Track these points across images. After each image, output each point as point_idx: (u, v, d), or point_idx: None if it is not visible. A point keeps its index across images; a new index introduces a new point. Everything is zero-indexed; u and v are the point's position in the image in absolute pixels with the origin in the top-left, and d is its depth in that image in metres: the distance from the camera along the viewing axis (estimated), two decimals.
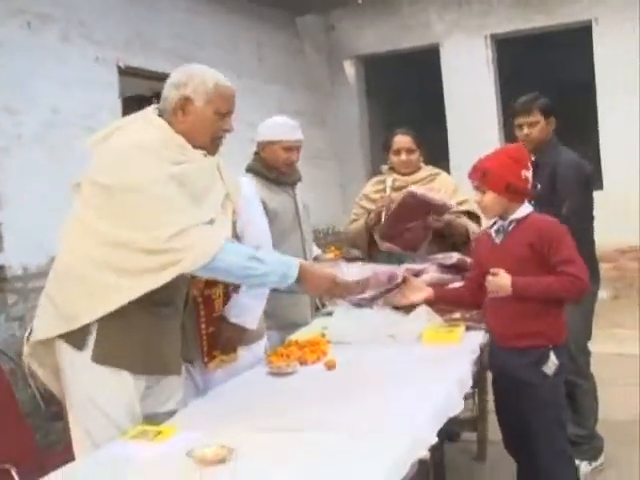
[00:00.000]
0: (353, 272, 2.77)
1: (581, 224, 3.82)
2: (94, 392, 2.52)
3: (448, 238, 4.12)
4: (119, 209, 2.45)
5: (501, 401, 3.24)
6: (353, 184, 4.56)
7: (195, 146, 2.59)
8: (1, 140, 4.77)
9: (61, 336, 2.55)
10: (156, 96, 3.10)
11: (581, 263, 3.00)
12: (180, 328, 2.81)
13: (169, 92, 2.61)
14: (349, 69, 9.60)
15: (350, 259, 4.95)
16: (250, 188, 3.46)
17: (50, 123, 5.12)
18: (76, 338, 2.52)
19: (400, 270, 3.40)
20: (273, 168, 3.82)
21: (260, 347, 3.34)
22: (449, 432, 4.44)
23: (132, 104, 5.54)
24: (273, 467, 2.01)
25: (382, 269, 3.31)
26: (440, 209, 3.95)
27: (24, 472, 3.10)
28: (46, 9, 5.20)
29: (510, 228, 3.10)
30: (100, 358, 2.50)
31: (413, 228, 4.00)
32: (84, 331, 2.50)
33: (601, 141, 8.70)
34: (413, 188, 3.95)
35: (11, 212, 4.73)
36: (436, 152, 9.12)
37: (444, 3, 9.04)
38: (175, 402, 2.76)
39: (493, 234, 3.17)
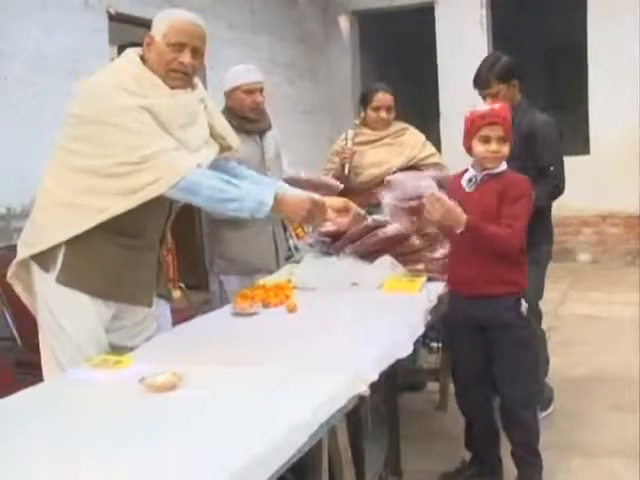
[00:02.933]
0: None
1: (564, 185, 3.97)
2: (59, 314, 2.66)
3: None
4: (91, 137, 2.58)
5: (466, 352, 3.31)
6: (339, 138, 4.64)
7: (168, 85, 2.69)
8: None
9: (33, 257, 2.69)
10: None
11: (523, 227, 3.11)
12: (156, 262, 2.92)
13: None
14: (343, 24, 9.59)
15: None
16: None
17: (36, 66, 5.15)
18: (44, 260, 2.66)
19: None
20: (241, 116, 3.90)
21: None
22: (413, 382, 4.61)
23: None
24: (216, 395, 2.13)
25: None
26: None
27: None
28: None
29: (483, 180, 3.18)
30: (63, 280, 2.64)
31: None
32: (52, 254, 2.64)
33: (590, 106, 8.74)
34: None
35: None
36: (427, 109, 9.21)
37: None
38: (145, 337, 2.88)
39: (464, 183, 3.24)
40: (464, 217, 2.97)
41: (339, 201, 3.02)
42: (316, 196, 2.76)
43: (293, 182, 3.62)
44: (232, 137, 2.97)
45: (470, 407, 3.43)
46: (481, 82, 4.03)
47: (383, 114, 4.34)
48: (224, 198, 2.59)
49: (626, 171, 8.37)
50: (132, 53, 2.75)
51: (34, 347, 3.64)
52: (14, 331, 4.21)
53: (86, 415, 2.07)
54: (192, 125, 2.75)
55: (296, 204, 2.69)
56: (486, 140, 3.13)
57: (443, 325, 3.53)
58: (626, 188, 8.35)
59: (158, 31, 2.68)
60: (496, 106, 3.20)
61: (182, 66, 2.69)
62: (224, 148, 2.93)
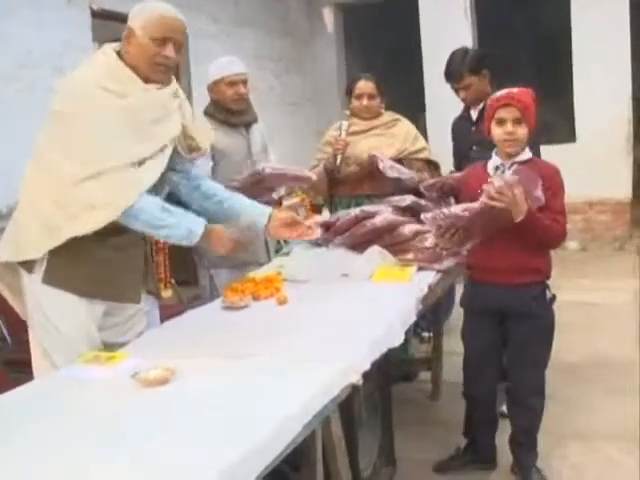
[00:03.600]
0: None
1: None
2: (50, 312, 2.66)
3: None
4: (63, 134, 2.59)
5: (484, 340, 3.36)
6: (330, 129, 4.65)
7: (144, 78, 2.67)
8: None
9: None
10: None
11: (566, 221, 3.17)
12: (143, 258, 2.93)
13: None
14: (328, 16, 9.58)
15: (316, 207, 5.10)
16: None
17: (23, 63, 5.14)
18: (27, 263, 2.66)
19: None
20: (225, 109, 3.90)
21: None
22: (406, 372, 4.62)
23: None
24: (209, 389, 2.14)
25: None
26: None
27: None
28: None
29: (511, 169, 3.14)
30: (49, 281, 2.64)
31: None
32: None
33: (575, 93, 8.75)
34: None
35: None
36: (413, 100, 9.20)
37: None
38: (136, 332, 2.87)
39: (491, 172, 3.23)
40: (526, 206, 2.95)
41: (286, 216, 3.05)
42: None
43: (270, 175, 3.63)
44: (201, 138, 2.93)
45: (477, 394, 3.46)
46: (453, 75, 4.11)
47: (365, 101, 4.36)
48: (158, 225, 2.61)
49: (613, 158, 8.40)
50: (109, 48, 2.73)
51: (24, 345, 3.66)
52: (3, 329, 4.19)
53: (79, 412, 2.08)
54: (163, 120, 2.73)
55: (223, 237, 2.72)
56: (501, 122, 3.14)
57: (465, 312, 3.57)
58: (613, 175, 8.38)
59: (138, 25, 2.65)
60: (515, 89, 3.17)
61: (166, 60, 2.68)
62: (193, 148, 2.91)
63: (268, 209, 2.99)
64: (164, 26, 2.66)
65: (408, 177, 4.01)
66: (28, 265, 2.67)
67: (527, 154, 3.21)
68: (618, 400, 4.11)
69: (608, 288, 6.72)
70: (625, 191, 8.54)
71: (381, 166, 3.99)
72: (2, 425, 2.03)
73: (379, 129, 4.37)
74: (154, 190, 2.69)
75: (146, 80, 2.68)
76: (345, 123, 4.35)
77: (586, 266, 7.99)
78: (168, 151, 2.74)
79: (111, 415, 2.03)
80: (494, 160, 3.25)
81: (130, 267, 2.85)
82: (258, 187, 3.70)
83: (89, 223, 2.54)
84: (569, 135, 8.82)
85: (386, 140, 4.34)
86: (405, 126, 4.45)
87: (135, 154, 2.61)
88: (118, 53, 2.71)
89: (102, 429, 1.93)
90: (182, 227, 2.63)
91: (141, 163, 2.62)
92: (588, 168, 8.42)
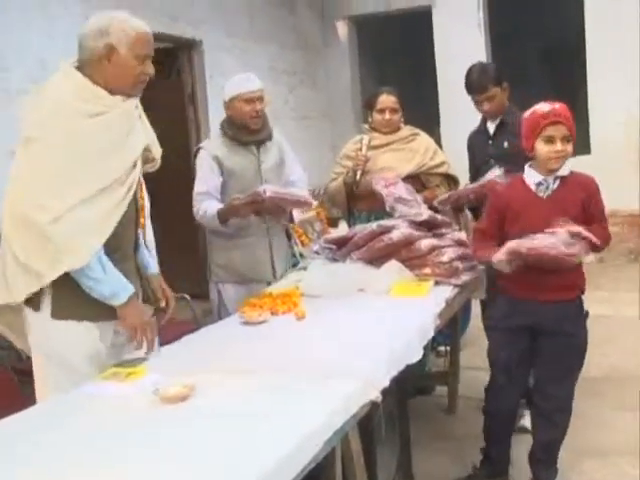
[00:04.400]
0: None
1: None
2: (61, 346, 2.63)
3: None
4: (31, 159, 2.56)
5: (517, 355, 3.33)
6: (344, 144, 4.64)
7: (115, 93, 2.64)
8: None
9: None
10: None
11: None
12: (135, 270, 2.87)
13: (90, 41, 2.62)
14: (341, 29, 9.59)
15: (331, 220, 5.10)
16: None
17: (37, 78, 5.15)
18: (32, 300, 2.62)
19: None
20: (239, 126, 3.90)
21: None
22: (423, 387, 4.62)
23: None
24: (229, 405, 2.16)
25: None
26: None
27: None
28: None
29: (556, 184, 3.17)
30: (58, 314, 2.61)
31: None
32: (39, 293, 2.61)
33: (589, 105, 8.73)
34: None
35: None
36: (427, 114, 9.21)
37: None
38: (144, 350, 2.81)
39: (533, 187, 3.22)
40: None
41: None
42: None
43: (270, 199, 3.62)
44: (156, 148, 2.90)
45: (500, 409, 3.45)
46: (477, 87, 4.12)
47: (387, 116, 4.38)
48: (85, 274, 2.57)
49: (627, 169, 8.35)
50: (69, 67, 2.66)
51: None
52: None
53: (100, 427, 2.09)
54: (133, 132, 2.71)
55: (140, 312, 2.72)
56: (550, 140, 3.12)
57: (489, 327, 3.57)
58: (627, 187, 8.33)
59: (121, 42, 2.60)
60: (557, 105, 3.17)
61: (148, 76, 2.70)
62: (149, 160, 2.89)
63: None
64: (146, 43, 2.67)
65: (413, 214, 3.90)
66: (34, 303, 2.63)
67: (567, 168, 3.21)
68: (633, 415, 4.09)
69: (622, 300, 6.69)
70: (638, 203, 8.50)
71: (387, 206, 3.95)
72: (23, 440, 2.04)
73: (398, 143, 4.38)
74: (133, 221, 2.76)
75: (116, 94, 2.65)
76: (366, 138, 4.36)
77: (600, 278, 7.94)
78: (139, 166, 2.74)
79: (131, 431, 2.04)
80: (533, 176, 3.23)
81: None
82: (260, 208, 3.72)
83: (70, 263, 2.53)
84: (583, 147, 8.80)
85: (405, 155, 4.35)
86: (424, 140, 4.47)
87: (94, 183, 2.56)
88: (79, 68, 2.65)
89: (122, 445, 1.95)
90: (109, 285, 2.60)
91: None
92: (602, 180, 8.30)
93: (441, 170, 4.41)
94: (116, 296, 2.62)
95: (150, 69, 2.69)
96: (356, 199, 4.41)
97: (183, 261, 6.13)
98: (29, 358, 4.05)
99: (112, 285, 2.61)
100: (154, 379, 2.38)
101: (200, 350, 2.79)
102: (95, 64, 2.63)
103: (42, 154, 2.55)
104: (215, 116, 4.88)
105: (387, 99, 4.40)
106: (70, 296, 2.60)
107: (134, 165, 2.69)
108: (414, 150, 4.39)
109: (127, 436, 2.00)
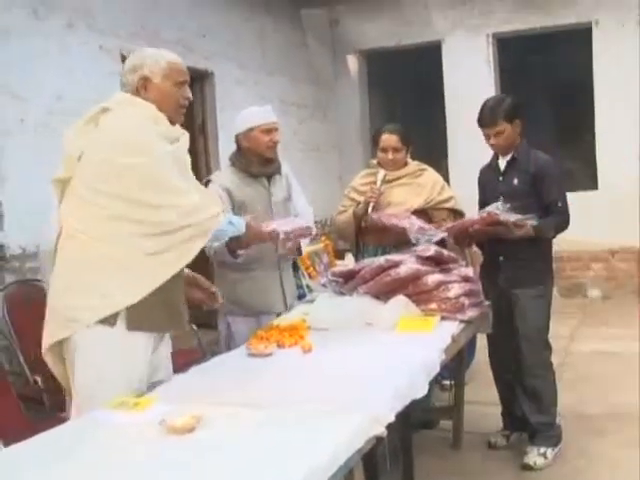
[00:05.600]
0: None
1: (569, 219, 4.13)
2: (111, 368, 2.71)
3: None
4: (129, 186, 2.68)
5: None
6: (352, 176, 4.67)
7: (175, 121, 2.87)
8: (4, 124, 4.89)
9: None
10: None
11: None
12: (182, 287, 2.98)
13: (127, 77, 2.85)
14: (352, 63, 9.70)
15: (338, 252, 5.13)
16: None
17: (53, 109, 5.23)
18: (108, 319, 2.70)
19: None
20: (256, 156, 3.95)
21: None
22: (427, 421, 4.61)
23: None
24: (235, 437, 2.16)
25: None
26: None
27: (12, 443, 3.25)
28: None
29: None
30: (135, 325, 2.71)
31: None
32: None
33: (597, 141, 8.79)
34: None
35: (12, 193, 4.84)
36: (435, 147, 9.28)
37: (447, 1, 9.13)
38: (164, 373, 2.93)
39: None
40: None
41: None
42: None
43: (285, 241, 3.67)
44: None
45: None
46: (487, 120, 4.12)
47: (390, 155, 4.42)
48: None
49: (635, 206, 8.38)
50: (128, 95, 2.82)
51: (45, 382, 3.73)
52: (24, 366, 4.26)
53: (106, 456, 2.11)
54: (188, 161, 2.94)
55: (258, 233, 3.24)
56: None
57: None
58: (635, 223, 8.36)
59: (155, 72, 2.80)
60: None
61: (187, 101, 2.90)
62: None
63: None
64: (182, 71, 2.88)
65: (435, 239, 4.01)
66: (110, 320, 2.70)
67: None
68: (636, 453, 4.06)
69: (629, 337, 6.67)
70: None
71: (412, 237, 4.03)
72: (29, 468, 2.06)
73: (405, 178, 4.42)
74: None
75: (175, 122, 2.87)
76: (382, 172, 4.39)
77: (608, 314, 7.95)
78: None
79: (137, 460, 2.06)
80: None
81: (180, 292, 2.92)
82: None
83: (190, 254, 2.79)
84: (591, 182, 8.85)
85: (414, 189, 4.40)
86: (432, 175, 4.51)
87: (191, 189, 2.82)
88: None
89: (128, 474, 1.96)
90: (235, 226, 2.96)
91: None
92: (610, 216, 8.43)
93: (448, 205, 4.45)
94: (240, 225, 3.02)
95: (188, 93, 2.89)
96: (364, 232, 4.44)
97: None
98: (36, 383, 4.15)
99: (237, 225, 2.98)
100: (161, 409, 2.39)
101: (207, 381, 2.80)
102: (137, 95, 2.81)
103: (146, 170, 2.68)
104: (225, 147, 4.92)
105: (389, 138, 4.43)
106: (143, 306, 2.70)
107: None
108: (422, 185, 4.43)
109: (132, 467, 2.01)
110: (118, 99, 2.83)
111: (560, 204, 4.07)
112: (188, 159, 2.92)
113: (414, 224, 4.06)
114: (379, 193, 4.33)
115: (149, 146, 2.69)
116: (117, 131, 2.72)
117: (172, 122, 2.86)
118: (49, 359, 2.84)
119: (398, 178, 4.42)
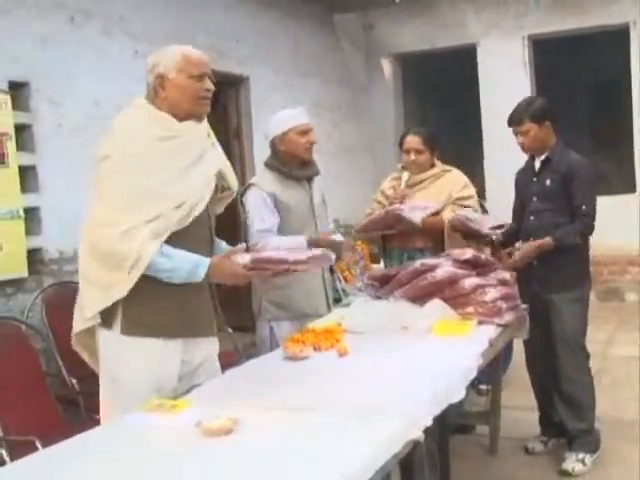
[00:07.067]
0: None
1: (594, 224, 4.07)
2: (126, 367, 2.73)
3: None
4: (102, 178, 2.73)
5: None
6: (385, 180, 4.69)
7: (183, 117, 2.80)
8: (42, 129, 4.95)
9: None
10: None
11: None
12: (208, 288, 2.95)
13: (148, 78, 2.83)
14: (386, 67, 9.68)
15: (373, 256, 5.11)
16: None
17: (90, 114, 5.29)
18: (104, 317, 2.74)
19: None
20: (292, 160, 3.95)
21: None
22: (463, 425, 4.58)
23: None
24: (271, 441, 2.15)
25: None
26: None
27: (49, 444, 3.28)
28: (88, 5, 5.37)
29: None
30: (128, 330, 2.71)
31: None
32: (112, 310, 2.71)
33: (635, 144, 8.67)
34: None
35: (50, 197, 4.91)
36: (469, 152, 9.22)
37: (482, 3, 9.08)
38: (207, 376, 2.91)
39: None
40: None
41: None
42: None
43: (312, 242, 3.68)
44: (231, 176, 3.02)
45: None
46: (514, 119, 4.17)
47: (412, 156, 4.40)
48: (156, 270, 2.67)
49: None
50: (140, 99, 2.85)
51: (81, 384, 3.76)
52: (62, 369, 4.31)
53: (142, 459, 2.11)
54: (203, 156, 2.85)
55: (226, 272, 2.73)
56: None
57: None
58: None
59: (170, 68, 2.77)
60: None
61: (208, 92, 2.84)
62: (224, 188, 3.02)
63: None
64: (199, 64, 2.82)
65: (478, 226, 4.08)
66: (107, 323, 2.74)
67: None
68: None
69: None
70: None
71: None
72: (64, 469, 2.07)
73: (427, 182, 4.40)
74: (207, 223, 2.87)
75: (185, 118, 2.81)
76: (405, 174, 4.39)
77: None
78: (212, 184, 2.87)
79: (174, 463, 2.06)
80: None
81: (201, 298, 2.89)
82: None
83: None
84: (628, 186, 8.73)
85: (432, 193, 4.38)
86: (454, 175, 4.48)
87: (165, 201, 2.69)
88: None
89: (165, 475, 1.97)
90: (182, 270, 2.69)
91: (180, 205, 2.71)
92: None
93: (468, 203, 4.41)
94: (195, 275, 2.71)
95: (209, 85, 2.84)
96: (389, 236, 4.42)
97: (224, 294, 6.19)
98: (73, 385, 4.19)
99: (185, 266, 2.70)
100: (198, 412, 2.39)
101: (243, 385, 2.80)
102: (154, 97, 2.81)
103: (110, 172, 2.69)
104: (261, 152, 4.93)
105: (412, 140, 4.41)
106: (140, 310, 2.71)
107: (207, 187, 2.81)
108: (440, 187, 4.40)
109: (169, 468, 2.02)
110: (130, 105, 2.87)
111: (585, 208, 4.03)
112: (199, 152, 2.83)
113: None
114: (403, 194, 4.31)
115: (130, 142, 2.71)
116: (101, 143, 2.79)
117: (194, 116, 2.82)
118: (79, 349, 2.93)
119: (420, 182, 4.40)
